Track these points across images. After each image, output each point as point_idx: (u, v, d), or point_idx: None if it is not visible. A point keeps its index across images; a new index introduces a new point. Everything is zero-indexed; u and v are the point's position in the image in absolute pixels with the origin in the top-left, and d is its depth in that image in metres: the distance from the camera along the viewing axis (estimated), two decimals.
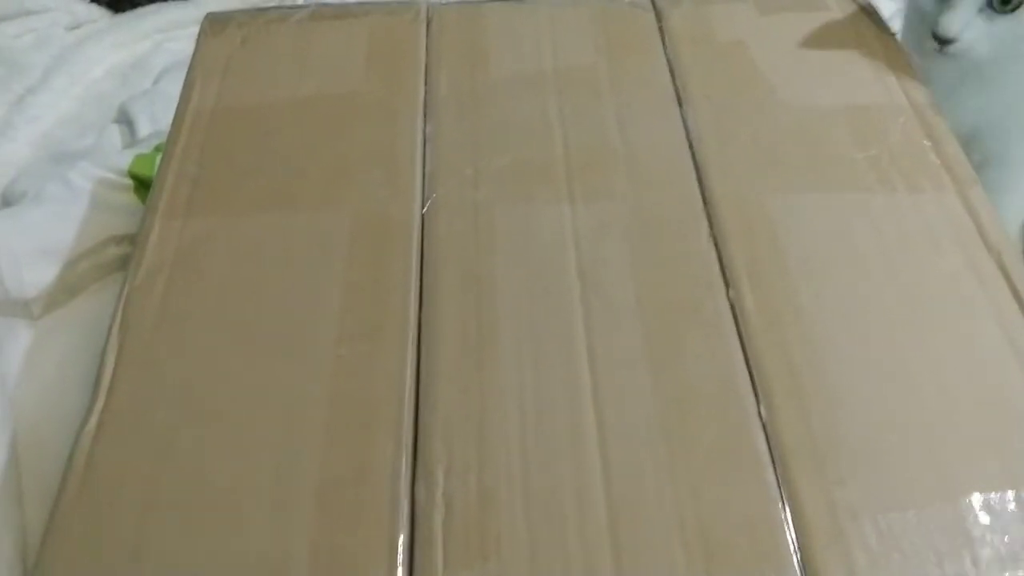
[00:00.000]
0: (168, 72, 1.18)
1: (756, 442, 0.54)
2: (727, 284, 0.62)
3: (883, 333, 0.60)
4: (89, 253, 0.84)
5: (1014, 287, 0.62)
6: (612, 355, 0.58)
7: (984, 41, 0.75)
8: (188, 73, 0.80)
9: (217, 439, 0.55)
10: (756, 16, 0.84)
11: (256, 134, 0.74)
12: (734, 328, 0.59)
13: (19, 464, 0.68)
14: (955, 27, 0.74)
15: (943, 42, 0.75)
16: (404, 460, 0.53)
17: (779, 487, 0.52)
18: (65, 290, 0.81)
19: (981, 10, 0.74)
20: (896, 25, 0.85)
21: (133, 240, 0.76)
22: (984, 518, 0.51)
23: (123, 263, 0.84)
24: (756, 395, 0.56)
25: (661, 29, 0.83)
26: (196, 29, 0.86)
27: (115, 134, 1.07)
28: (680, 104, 0.75)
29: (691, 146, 0.72)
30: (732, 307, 0.61)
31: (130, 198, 0.92)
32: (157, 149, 0.96)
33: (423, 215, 0.67)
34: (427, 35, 0.83)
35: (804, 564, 0.49)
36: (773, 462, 0.53)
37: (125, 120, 1.09)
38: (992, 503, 0.52)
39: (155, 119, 1.06)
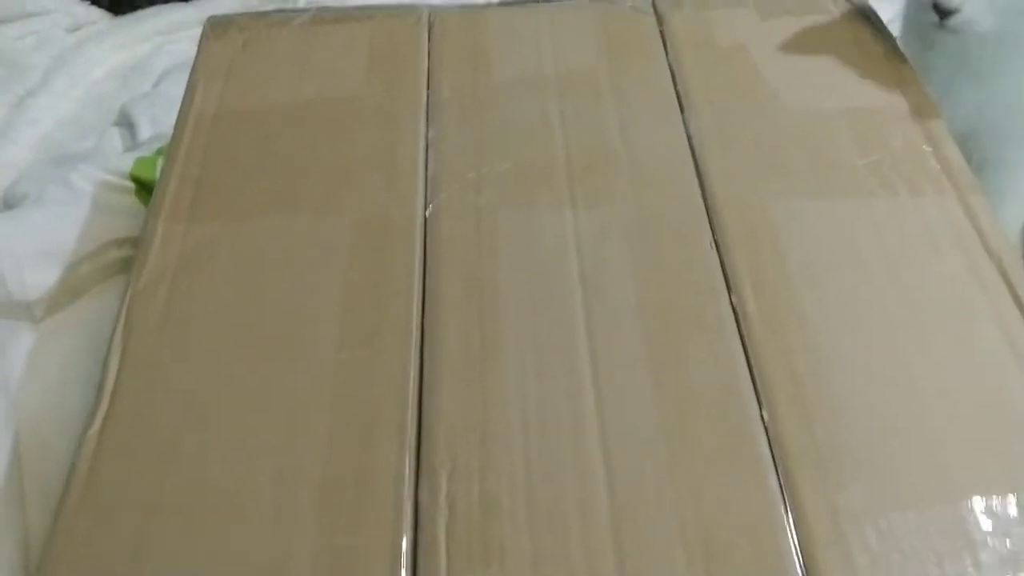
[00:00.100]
0: (168, 74, 1.18)
1: (758, 446, 0.54)
2: (729, 289, 0.62)
3: (884, 337, 0.60)
4: (91, 256, 0.84)
5: (1015, 291, 0.63)
6: (614, 359, 0.58)
7: (986, 13, 0.74)
8: (190, 76, 0.81)
9: (220, 442, 0.55)
10: (757, 20, 0.84)
11: (258, 138, 0.74)
12: (736, 332, 0.60)
13: (21, 466, 0.68)
14: None
15: (944, 14, 0.75)
16: (407, 464, 0.53)
17: (781, 491, 0.52)
18: (67, 292, 0.82)
19: None
20: (895, 29, 0.86)
21: (135, 243, 0.76)
22: (985, 521, 0.51)
23: (125, 265, 0.84)
24: (758, 399, 0.56)
25: (662, 33, 0.83)
26: (197, 31, 0.86)
27: (116, 136, 1.07)
28: (681, 108, 0.75)
29: (693, 151, 0.72)
30: (734, 311, 0.61)
31: (131, 201, 0.92)
32: (158, 152, 0.96)
33: (425, 219, 0.67)
34: (429, 39, 0.83)
35: (806, 567, 0.50)
36: (775, 466, 0.53)
37: (126, 122, 1.09)
38: (993, 506, 0.52)
39: (156, 121, 1.06)
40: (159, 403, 0.57)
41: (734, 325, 0.60)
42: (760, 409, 0.56)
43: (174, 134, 0.75)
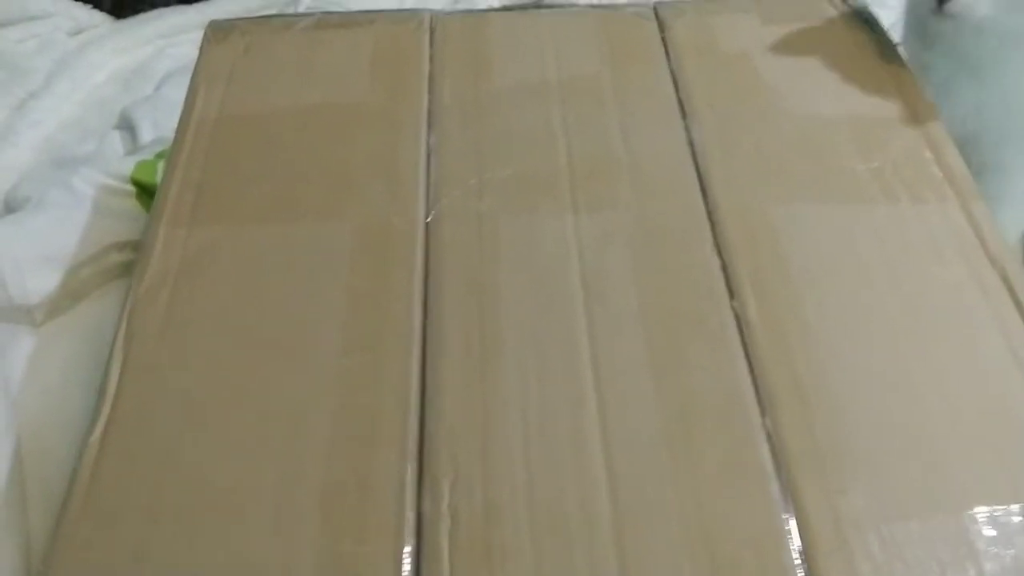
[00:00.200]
0: (170, 78, 1.18)
1: (760, 453, 0.54)
2: (731, 294, 0.62)
3: (886, 343, 0.60)
4: (91, 259, 0.84)
5: (1016, 298, 0.63)
6: (616, 365, 0.58)
7: (985, 1, 0.74)
8: (192, 80, 0.80)
9: (222, 448, 0.55)
10: (759, 26, 0.84)
11: (260, 142, 0.74)
12: (738, 338, 0.60)
13: (23, 469, 0.68)
14: None
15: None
16: (409, 471, 0.53)
17: (784, 498, 0.52)
18: (68, 296, 0.81)
19: None
20: (897, 34, 0.86)
21: (136, 247, 0.76)
22: (988, 529, 0.51)
23: (125, 269, 0.84)
24: (760, 405, 0.56)
25: (664, 39, 0.83)
26: (198, 35, 0.86)
27: (117, 140, 1.07)
28: (683, 114, 0.75)
29: (694, 156, 0.72)
30: (736, 317, 0.61)
31: (132, 204, 0.92)
32: (159, 156, 0.96)
33: (427, 225, 0.67)
34: (431, 44, 0.83)
35: (809, 574, 0.49)
36: (778, 472, 0.53)
37: (127, 126, 1.08)
38: (996, 514, 0.52)
39: (157, 125, 1.05)
40: (161, 408, 0.57)
41: (736, 331, 0.60)
42: (762, 415, 0.56)
43: (176, 138, 0.75)
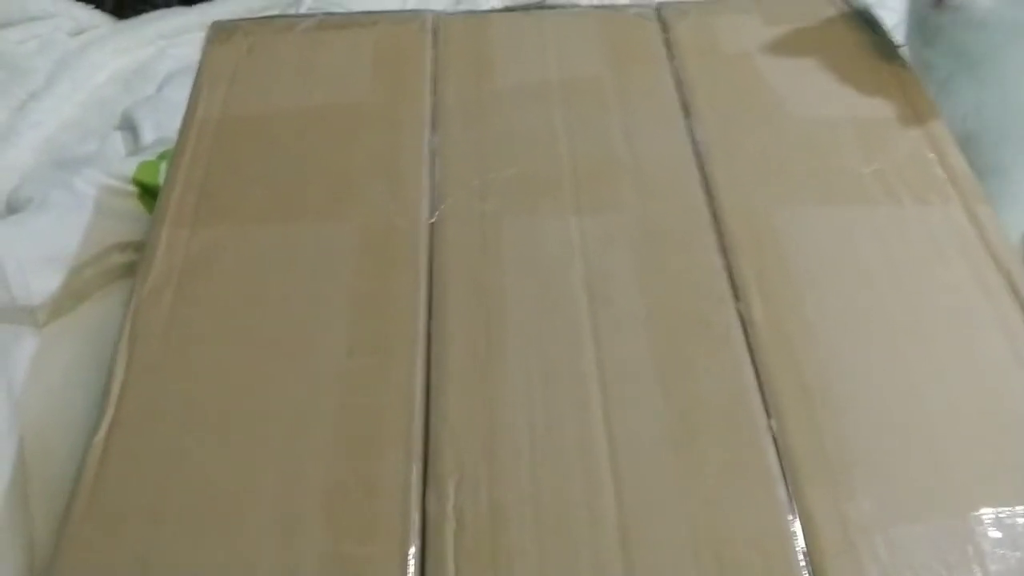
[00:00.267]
0: (172, 78, 1.18)
1: (766, 456, 0.54)
2: (735, 297, 0.62)
3: (890, 345, 0.60)
4: (94, 260, 0.84)
5: (1020, 299, 0.63)
6: (621, 368, 0.58)
7: None
8: (195, 81, 0.80)
9: (226, 450, 0.55)
10: (761, 27, 0.84)
11: (263, 143, 0.74)
12: (743, 340, 0.60)
13: (26, 470, 0.68)
14: None
15: None
16: (414, 473, 0.53)
17: (790, 501, 0.52)
18: (70, 297, 0.81)
19: None
20: (899, 36, 0.86)
21: (138, 247, 0.76)
22: (994, 531, 0.51)
23: (128, 270, 0.84)
24: (766, 408, 0.56)
25: (667, 40, 0.83)
26: (200, 36, 0.87)
27: (118, 140, 1.06)
28: (686, 116, 0.75)
29: (697, 158, 0.72)
30: (741, 319, 0.61)
31: (134, 205, 0.92)
32: (161, 156, 0.96)
33: (430, 226, 0.67)
34: (433, 45, 0.83)
35: None
36: (783, 474, 0.53)
37: (128, 126, 1.08)
38: (1002, 516, 0.52)
39: (159, 126, 1.05)
40: (165, 409, 0.57)
41: (741, 333, 0.60)
42: (768, 417, 0.56)
43: (179, 139, 0.75)
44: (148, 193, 0.91)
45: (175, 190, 0.71)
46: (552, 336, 0.60)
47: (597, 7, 0.90)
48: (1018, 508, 0.52)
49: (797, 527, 0.51)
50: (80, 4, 1.32)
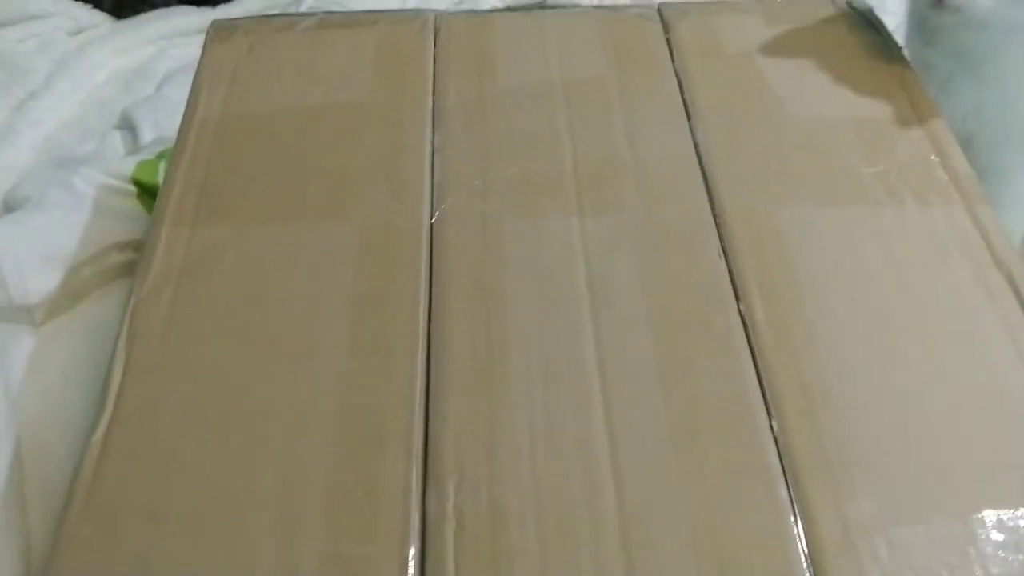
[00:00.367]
0: (171, 78, 1.18)
1: (768, 457, 0.54)
2: (737, 298, 0.62)
3: (893, 346, 0.60)
4: (92, 259, 0.84)
5: (1021, 300, 0.63)
6: (622, 368, 0.58)
7: None
8: (194, 80, 0.80)
9: (225, 450, 0.55)
10: (763, 27, 0.84)
11: (263, 143, 0.74)
12: (745, 342, 0.59)
13: (23, 470, 0.68)
14: None
15: None
16: (414, 473, 0.53)
17: (791, 502, 0.52)
18: (68, 296, 0.81)
19: None
20: (900, 37, 0.86)
21: (137, 247, 0.76)
22: (996, 534, 0.51)
23: (126, 269, 0.84)
24: (767, 409, 0.56)
25: (668, 41, 0.83)
26: (199, 36, 0.86)
27: (117, 140, 1.06)
28: (688, 116, 0.75)
29: (700, 159, 0.72)
30: (742, 320, 0.61)
31: (133, 204, 0.92)
32: (160, 155, 0.95)
33: (431, 226, 0.67)
34: (435, 44, 0.83)
35: None
36: (784, 476, 0.53)
37: (128, 126, 1.08)
38: (1004, 519, 0.52)
39: (158, 125, 1.05)
40: (164, 409, 0.57)
41: (742, 334, 0.60)
42: (769, 419, 0.55)
43: (178, 138, 0.75)
44: (147, 192, 0.91)
45: (175, 189, 0.70)
46: (553, 336, 0.60)
47: (598, 7, 0.90)
48: (1020, 510, 0.52)
49: (797, 527, 0.51)
50: (79, 4, 1.32)
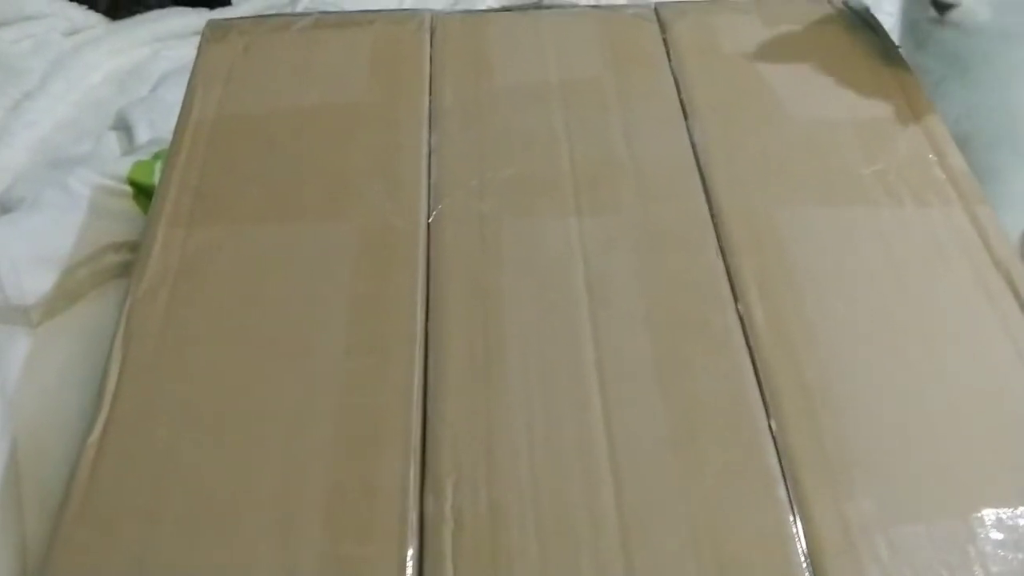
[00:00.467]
0: (166, 79, 1.18)
1: (767, 456, 0.54)
2: (736, 298, 0.62)
3: (892, 347, 0.60)
4: (88, 260, 0.84)
5: (1021, 300, 0.62)
6: (621, 368, 0.58)
7: (984, 4, 0.75)
8: (190, 81, 0.80)
9: (222, 451, 0.55)
10: (760, 27, 0.84)
11: (259, 143, 0.74)
12: (743, 342, 0.59)
13: (19, 471, 0.68)
14: None
15: (943, 8, 0.75)
16: (412, 473, 0.53)
17: (791, 502, 0.52)
18: (64, 297, 0.81)
19: None
20: (895, 38, 0.86)
21: (133, 247, 0.76)
22: (996, 533, 0.51)
23: (122, 270, 0.84)
24: (766, 409, 0.56)
25: (666, 40, 0.83)
26: (195, 37, 0.86)
27: (113, 141, 1.06)
28: (686, 116, 0.75)
29: (697, 159, 0.71)
30: (741, 320, 0.60)
31: (129, 205, 0.92)
32: (156, 156, 0.95)
33: (428, 226, 0.67)
34: (431, 44, 0.83)
35: None
36: (784, 476, 0.53)
37: (123, 126, 1.08)
38: (1004, 518, 0.51)
39: (154, 126, 1.05)
40: (160, 410, 0.57)
41: (741, 334, 0.60)
42: (768, 419, 0.55)
43: (174, 139, 0.74)
44: (143, 193, 0.91)
45: (170, 190, 0.70)
46: (551, 337, 0.60)
47: (595, 7, 0.90)
48: (1020, 509, 0.52)
49: (797, 527, 0.51)
50: (74, 5, 1.32)
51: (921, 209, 0.68)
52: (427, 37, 0.83)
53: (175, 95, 0.81)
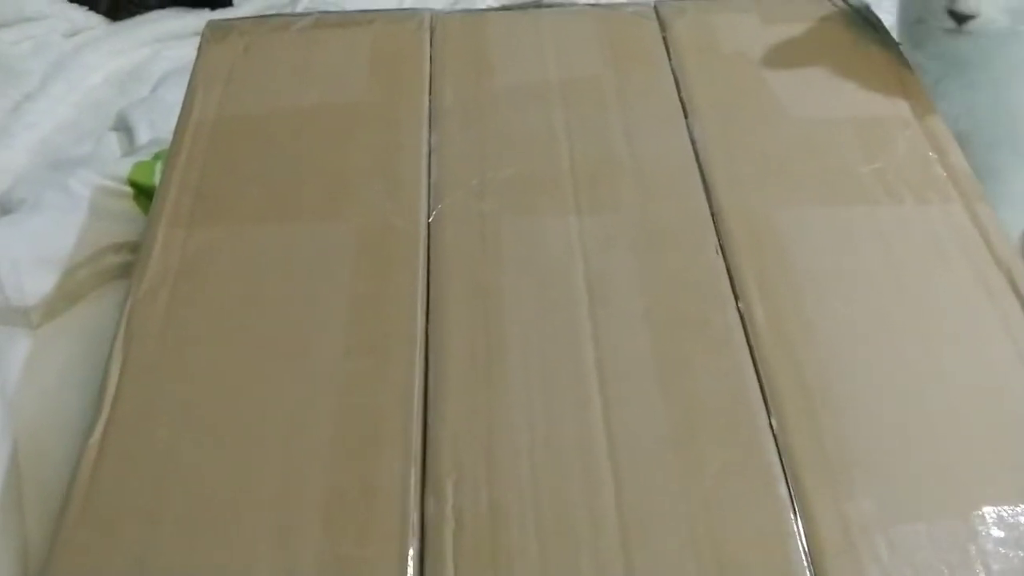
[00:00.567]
0: (166, 79, 1.18)
1: (767, 455, 0.54)
2: (735, 297, 0.62)
3: (892, 345, 0.60)
4: (88, 261, 0.84)
5: (1021, 299, 0.62)
6: (621, 368, 0.58)
7: (1002, 12, 0.75)
8: (190, 81, 0.80)
9: (223, 452, 0.55)
10: (760, 26, 0.84)
11: (259, 143, 0.74)
12: (743, 340, 0.59)
13: (20, 473, 0.67)
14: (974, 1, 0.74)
15: (962, 19, 0.75)
16: (413, 474, 0.53)
17: (791, 500, 0.52)
18: (64, 298, 0.81)
19: None
20: (894, 36, 0.86)
21: (133, 248, 0.76)
22: (996, 531, 0.51)
23: (122, 271, 0.84)
24: (767, 408, 0.56)
25: (665, 39, 0.83)
26: (195, 37, 0.86)
27: (113, 141, 1.06)
28: (686, 115, 0.75)
29: (697, 157, 0.71)
30: (741, 319, 0.60)
31: (129, 205, 0.92)
32: (156, 156, 0.95)
33: (428, 225, 0.67)
34: (431, 44, 0.83)
35: None
36: (784, 475, 0.53)
37: (123, 127, 1.08)
38: (1004, 516, 0.51)
39: (154, 126, 1.05)
40: (161, 411, 0.57)
41: (741, 333, 0.60)
42: (768, 418, 0.55)
43: (174, 139, 0.75)
44: (143, 194, 0.91)
45: (171, 190, 0.70)
46: (551, 336, 0.60)
47: (594, 6, 0.89)
48: (1020, 507, 0.52)
49: (797, 526, 0.51)
50: (75, 6, 1.32)
51: (921, 207, 0.68)
52: (427, 36, 0.83)
53: (175, 96, 0.81)
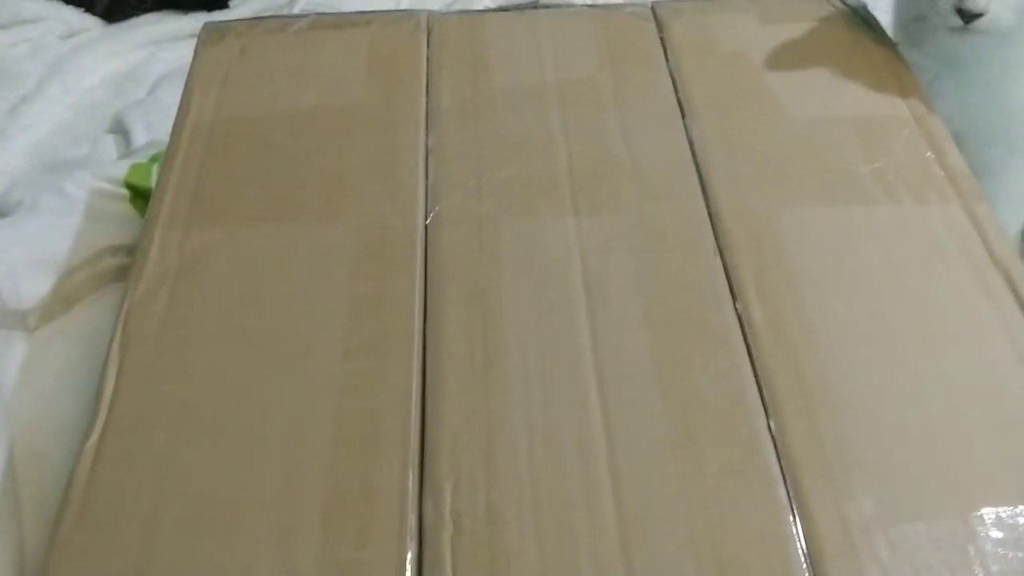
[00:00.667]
0: (163, 81, 1.18)
1: (766, 456, 0.54)
2: (734, 297, 0.62)
3: (891, 346, 0.60)
4: (85, 263, 0.84)
5: (1020, 298, 0.62)
6: (619, 369, 0.58)
7: (1009, 10, 0.74)
8: (186, 83, 0.80)
9: (221, 455, 0.55)
10: (757, 26, 0.84)
11: (256, 145, 0.74)
12: (742, 341, 0.59)
13: (16, 476, 0.67)
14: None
15: (971, 18, 0.75)
16: (411, 476, 0.53)
17: (790, 501, 0.52)
18: (61, 301, 0.81)
19: None
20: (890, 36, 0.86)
21: (130, 251, 0.75)
22: (996, 531, 0.51)
23: (119, 273, 0.83)
24: (765, 409, 0.56)
25: (663, 40, 0.83)
26: (191, 40, 0.86)
27: (110, 144, 1.06)
28: (683, 115, 0.75)
29: (695, 158, 0.71)
30: (739, 320, 0.60)
31: (126, 208, 0.92)
32: (153, 158, 0.95)
33: (426, 227, 0.67)
34: (428, 45, 0.83)
35: None
36: (783, 476, 0.53)
37: (120, 129, 1.08)
38: (1003, 517, 0.51)
39: (150, 128, 1.05)
40: (158, 414, 0.57)
41: (739, 333, 0.60)
42: (767, 418, 0.55)
43: (171, 141, 0.74)
44: (140, 196, 0.91)
45: (168, 192, 0.70)
46: (550, 337, 0.60)
47: (591, 6, 0.89)
48: (1020, 507, 0.52)
49: (797, 527, 0.51)
50: (71, 8, 1.32)
51: (920, 207, 0.68)
52: (424, 38, 0.83)
53: (172, 98, 0.80)
